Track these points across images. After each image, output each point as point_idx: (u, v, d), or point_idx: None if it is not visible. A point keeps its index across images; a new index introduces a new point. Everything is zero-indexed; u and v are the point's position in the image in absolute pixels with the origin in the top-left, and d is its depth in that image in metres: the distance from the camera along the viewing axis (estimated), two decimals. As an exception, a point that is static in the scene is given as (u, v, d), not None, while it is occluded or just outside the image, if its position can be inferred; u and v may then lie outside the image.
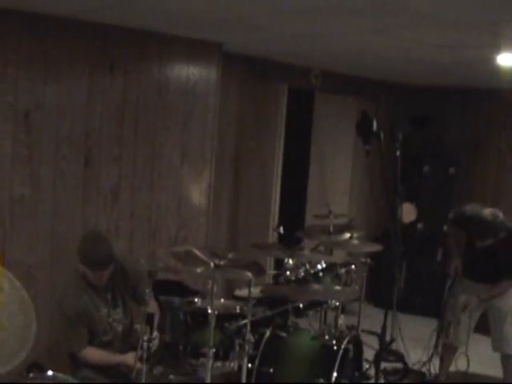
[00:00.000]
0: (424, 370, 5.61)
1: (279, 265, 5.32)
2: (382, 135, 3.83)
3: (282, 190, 6.77)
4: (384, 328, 4.24)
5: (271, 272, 5.65)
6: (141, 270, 4.25)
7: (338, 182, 7.55)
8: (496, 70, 6.10)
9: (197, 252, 4.42)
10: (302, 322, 5.19)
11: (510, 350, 5.27)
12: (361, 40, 5.16)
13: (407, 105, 8.16)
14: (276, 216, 6.66)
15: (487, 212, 4.98)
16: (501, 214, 5.00)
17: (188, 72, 5.64)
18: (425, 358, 5.58)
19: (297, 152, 7.33)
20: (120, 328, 4.37)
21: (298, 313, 4.98)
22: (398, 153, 4.96)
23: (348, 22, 4.43)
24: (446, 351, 5.41)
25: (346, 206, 7.52)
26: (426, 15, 4.06)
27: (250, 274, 4.19)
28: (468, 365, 5.43)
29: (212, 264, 4.22)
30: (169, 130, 5.57)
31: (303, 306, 4.98)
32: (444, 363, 5.44)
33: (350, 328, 5.44)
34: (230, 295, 5.30)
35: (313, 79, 6.97)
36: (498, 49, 5.29)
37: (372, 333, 5.57)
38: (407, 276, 7.65)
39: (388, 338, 5.80)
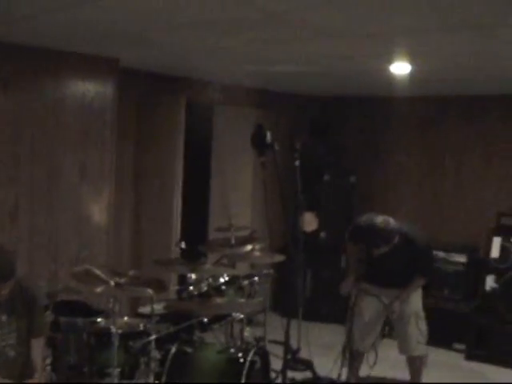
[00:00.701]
0: (334, 376, 5.66)
1: (183, 280, 5.30)
2: (276, 146, 3.86)
3: (184, 205, 6.73)
4: (287, 337, 4.26)
5: (174, 287, 5.61)
6: (38, 297, 4.12)
7: (240, 194, 7.56)
8: (390, 79, 6.27)
9: (97, 271, 4.38)
10: (209, 336, 5.17)
11: (416, 352, 5.38)
12: (258, 52, 5.20)
13: (308, 114, 8.25)
14: (178, 231, 6.62)
15: (379, 220, 5.03)
16: (392, 220, 5.07)
17: (84, 89, 5.56)
18: (334, 365, 5.62)
19: (198, 166, 7.31)
20: (12, 354, 4.05)
21: (203, 327, 4.98)
22: (297, 163, 4.99)
23: (244, 35, 4.46)
24: (354, 357, 5.46)
25: (249, 217, 7.54)
26: (320, 27, 4.13)
27: (151, 291, 4.17)
28: (371, 367, 5.47)
29: (112, 283, 4.18)
30: (66, 147, 5.47)
31: (208, 320, 4.98)
32: (352, 369, 5.49)
33: (257, 339, 5.47)
34: (134, 313, 5.25)
35: (212, 92, 6.99)
36: (391, 58, 5.44)
37: (279, 343, 5.58)
38: (313, 284, 7.74)
39: (296, 347, 5.85)
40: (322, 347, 6.16)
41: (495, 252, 6.81)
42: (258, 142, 3.93)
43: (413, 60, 5.52)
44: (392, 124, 8.18)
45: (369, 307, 5.34)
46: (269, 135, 3.86)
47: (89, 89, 5.59)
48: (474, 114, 7.64)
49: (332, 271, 7.59)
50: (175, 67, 6.32)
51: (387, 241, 5.00)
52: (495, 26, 4.07)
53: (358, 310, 5.34)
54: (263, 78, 6.91)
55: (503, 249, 6.78)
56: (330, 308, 7.45)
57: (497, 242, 6.83)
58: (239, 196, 7.55)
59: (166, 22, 4.12)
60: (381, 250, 5.05)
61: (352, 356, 5.41)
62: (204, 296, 4.91)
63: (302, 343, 5.86)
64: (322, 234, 7.73)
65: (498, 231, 6.88)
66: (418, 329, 5.32)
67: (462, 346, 6.90)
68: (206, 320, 4.96)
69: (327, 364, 5.54)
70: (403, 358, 5.53)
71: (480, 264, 7.07)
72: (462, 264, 7.12)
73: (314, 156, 7.50)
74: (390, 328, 5.63)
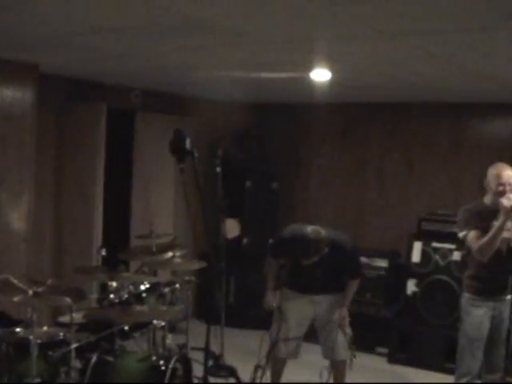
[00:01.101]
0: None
1: (104, 288, 5.23)
2: (195, 153, 3.84)
3: (106, 212, 6.65)
4: (207, 343, 4.23)
5: (95, 296, 5.53)
6: None
7: (162, 200, 7.50)
8: (311, 86, 6.33)
9: (14, 280, 4.29)
10: (130, 345, 5.11)
11: (342, 356, 5.40)
12: (179, 58, 5.19)
13: (230, 121, 8.25)
14: (100, 238, 6.53)
15: (309, 231, 5.03)
16: (321, 229, 5.07)
17: (1, 94, 5.44)
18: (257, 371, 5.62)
19: (119, 173, 7.23)
20: None
21: (124, 335, 4.92)
22: (218, 169, 4.99)
23: (165, 40, 4.44)
24: (276, 363, 5.46)
25: (172, 224, 7.49)
26: (241, 33, 4.14)
27: (69, 300, 4.10)
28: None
29: (30, 292, 4.10)
30: (-17, 154, 5.36)
31: (129, 328, 4.92)
32: (275, 376, 5.49)
33: (179, 347, 5.43)
34: (54, 322, 5.15)
35: (133, 98, 6.93)
36: (311, 65, 5.50)
37: (201, 349, 5.55)
38: (236, 291, 7.73)
39: (218, 353, 5.83)
40: (247, 353, 6.14)
41: (416, 257, 6.93)
42: (177, 149, 3.90)
43: (333, 67, 5.59)
44: (314, 130, 8.27)
45: (293, 314, 5.35)
46: (188, 141, 3.83)
47: (7, 94, 5.48)
48: (395, 121, 7.78)
49: (256, 277, 7.57)
50: (96, 73, 6.25)
51: (319, 250, 5.00)
52: (408, 34, 4.16)
53: (282, 316, 5.35)
54: (184, 84, 6.88)
55: (424, 253, 6.90)
56: (255, 314, 7.45)
57: (418, 247, 6.95)
58: (161, 203, 7.49)
59: (86, 27, 4.08)
60: (311, 260, 5.05)
61: (274, 362, 5.42)
62: (125, 304, 4.85)
63: (226, 350, 5.85)
64: (245, 240, 7.73)
65: (418, 236, 7.00)
66: (343, 333, 5.36)
67: (384, 350, 7.01)
68: (126, 328, 4.90)
69: (251, 369, 5.55)
70: (325, 362, 5.55)
71: (401, 269, 7.19)
72: (384, 269, 7.23)
73: (237, 162, 7.51)
74: (311, 333, 5.61)
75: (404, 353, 6.85)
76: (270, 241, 5.56)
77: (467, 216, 4.89)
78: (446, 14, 3.55)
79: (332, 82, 6.16)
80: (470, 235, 4.80)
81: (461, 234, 4.91)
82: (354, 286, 5.39)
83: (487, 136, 7.33)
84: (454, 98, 7.03)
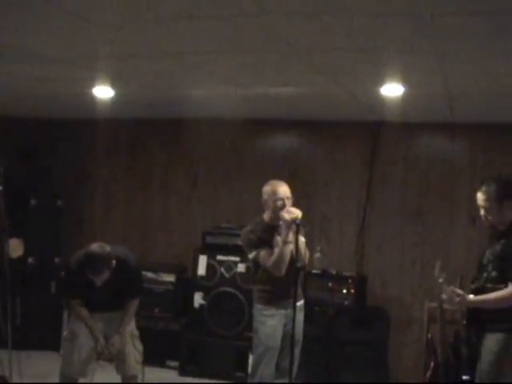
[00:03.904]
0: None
1: None
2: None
3: None
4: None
5: None
6: None
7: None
8: (94, 102, 6.31)
9: None
10: None
11: (134, 371, 5.38)
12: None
13: (13, 137, 7.94)
14: None
15: (94, 247, 4.98)
16: (107, 246, 5.04)
17: None
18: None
19: None
20: None
21: None
22: (0, 187, 4.81)
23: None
24: (66, 382, 5.32)
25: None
26: (23, 51, 4.07)
27: None
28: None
29: None
30: None
31: None
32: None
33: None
34: None
35: None
36: (93, 82, 5.50)
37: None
38: (23, 311, 7.45)
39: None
40: (37, 376, 5.95)
41: (202, 270, 7.07)
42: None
43: (115, 84, 5.62)
44: (99, 146, 8.20)
45: (84, 332, 5.26)
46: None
47: None
48: (178, 136, 7.91)
49: (42, 297, 7.39)
50: None
51: (108, 265, 4.97)
52: (187, 53, 4.32)
53: (72, 335, 5.25)
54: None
55: (209, 267, 7.06)
56: (42, 335, 7.25)
57: (203, 260, 7.09)
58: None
59: None
60: (104, 277, 4.99)
61: (68, 381, 5.30)
62: None
63: (15, 373, 5.62)
64: (30, 260, 7.48)
65: (203, 250, 7.14)
66: (134, 348, 5.36)
67: (175, 363, 7.07)
68: None
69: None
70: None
71: (188, 282, 7.30)
72: (171, 283, 7.31)
73: (20, 180, 7.26)
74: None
75: (194, 365, 6.95)
76: (61, 284, 5.40)
77: (253, 237, 5.04)
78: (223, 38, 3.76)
79: (115, 99, 6.18)
80: (261, 255, 4.97)
81: (251, 256, 5.05)
82: (134, 305, 5.38)
83: (268, 151, 7.66)
84: (237, 115, 7.29)
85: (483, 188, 4.44)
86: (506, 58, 4.13)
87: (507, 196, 4.37)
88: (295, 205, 4.99)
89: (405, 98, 5.56)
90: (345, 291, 6.82)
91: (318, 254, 6.94)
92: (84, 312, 5.26)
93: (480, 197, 4.46)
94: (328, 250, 7.24)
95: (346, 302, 6.80)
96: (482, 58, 4.16)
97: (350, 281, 6.82)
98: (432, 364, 6.48)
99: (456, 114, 6.39)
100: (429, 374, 6.47)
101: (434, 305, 5.81)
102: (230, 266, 7.00)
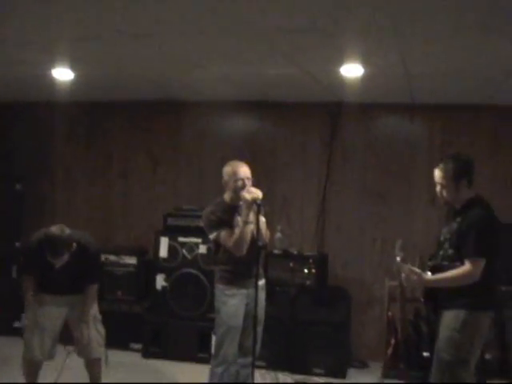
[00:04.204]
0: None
1: None
2: None
3: None
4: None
5: None
6: None
7: None
8: (54, 84, 6.26)
9: None
10: None
11: (97, 354, 5.38)
12: None
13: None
14: None
15: (53, 229, 4.96)
16: (67, 229, 5.02)
17: None
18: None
19: None
20: None
21: None
22: None
23: None
24: (30, 366, 5.31)
25: None
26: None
27: None
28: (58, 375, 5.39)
29: None
30: None
31: None
32: (29, 377, 5.34)
33: None
34: None
35: None
36: (52, 65, 5.46)
37: None
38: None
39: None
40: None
41: (163, 252, 7.07)
42: None
43: (75, 66, 5.59)
44: (59, 129, 8.10)
45: (45, 316, 5.24)
46: None
47: None
48: (138, 119, 7.87)
49: (2, 281, 7.33)
50: None
51: (68, 247, 4.95)
52: (147, 36, 4.32)
53: (33, 319, 5.23)
54: None
55: (171, 248, 7.06)
56: (3, 320, 7.20)
57: (164, 242, 7.09)
58: None
59: None
60: (63, 259, 4.97)
61: (27, 365, 5.28)
62: None
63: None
64: (-12, 245, 7.41)
65: (165, 232, 7.15)
66: (97, 331, 5.35)
67: (138, 345, 7.07)
68: None
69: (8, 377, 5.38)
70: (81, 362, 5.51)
71: (150, 264, 7.30)
72: (133, 266, 7.29)
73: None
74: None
75: (157, 347, 6.97)
76: (20, 259, 5.37)
77: (213, 217, 5.04)
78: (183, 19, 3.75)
79: (75, 81, 6.14)
80: (222, 235, 4.98)
81: (212, 236, 5.06)
82: (94, 289, 5.36)
83: (229, 132, 7.67)
84: (197, 97, 7.29)
85: (441, 165, 4.51)
86: (465, 39, 4.19)
87: (464, 175, 4.44)
88: (256, 185, 5.00)
89: (364, 78, 5.62)
90: (306, 271, 6.89)
91: (278, 234, 7.00)
92: (29, 286, 5.23)
93: (437, 174, 4.52)
94: (289, 230, 7.30)
95: (308, 282, 6.87)
96: (440, 39, 4.22)
97: (310, 261, 6.89)
98: (393, 341, 6.59)
99: (415, 94, 6.47)
100: (390, 351, 6.59)
101: (395, 283, 5.90)
102: (192, 248, 7.00)
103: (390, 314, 6.65)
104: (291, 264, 6.92)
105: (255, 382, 4.68)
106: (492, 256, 4.31)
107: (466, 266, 4.27)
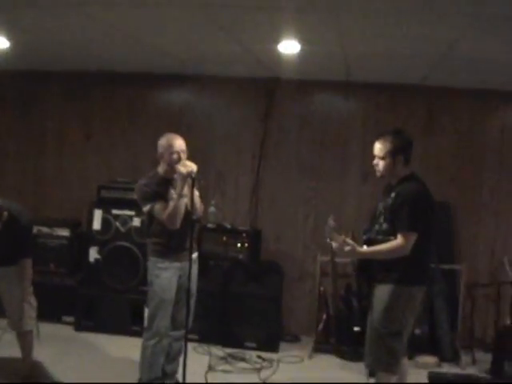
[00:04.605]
0: None
1: None
2: None
3: None
4: None
5: None
6: None
7: None
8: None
9: None
10: None
11: (28, 327, 5.32)
12: None
13: None
14: None
15: None
16: None
17: None
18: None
19: None
20: None
21: None
22: None
23: None
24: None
25: None
26: None
27: None
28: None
29: None
30: None
31: None
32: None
33: None
34: None
35: None
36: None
37: None
38: None
39: None
40: None
41: (97, 224, 7.02)
42: None
43: (10, 35, 5.49)
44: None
45: None
46: None
47: None
48: (73, 91, 7.76)
49: None
50: None
51: None
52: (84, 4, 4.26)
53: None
54: None
55: (104, 221, 7.01)
56: None
57: (98, 215, 7.04)
58: None
59: None
60: None
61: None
62: None
63: None
64: None
65: (98, 204, 7.09)
66: (29, 304, 5.30)
67: (71, 319, 7.03)
68: None
69: None
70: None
71: (83, 237, 7.25)
72: (66, 238, 7.23)
73: None
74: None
75: (90, 320, 6.93)
76: None
77: (147, 190, 5.00)
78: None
79: (11, 49, 6.02)
80: (156, 208, 4.96)
81: (145, 209, 5.04)
82: (28, 265, 5.28)
83: (165, 105, 7.64)
84: (134, 68, 7.22)
85: (381, 138, 4.58)
86: (401, 19, 4.24)
87: (401, 151, 4.53)
88: (191, 159, 4.99)
89: (301, 55, 5.65)
90: (239, 245, 6.94)
91: (212, 208, 7.03)
92: None
93: (377, 146, 4.60)
94: (223, 205, 7.34)
95: (241, 256, 6.94)
96: (377, 18, 4.27)
97: (244, 235, 6.95)
98: (324, 316, 6.73)
99: (351, 72, 6.54)
100: (321, 326, 6.73)
101: (327, 259, 6.00)
102: (126, 221, 6.98)
103: (321, 289, 6.78)
104: (225, 238, 6.97)
105: (187, 355, 4.69)
106: (425, 231, 4.41)
107: (398, 240, 4.37)
